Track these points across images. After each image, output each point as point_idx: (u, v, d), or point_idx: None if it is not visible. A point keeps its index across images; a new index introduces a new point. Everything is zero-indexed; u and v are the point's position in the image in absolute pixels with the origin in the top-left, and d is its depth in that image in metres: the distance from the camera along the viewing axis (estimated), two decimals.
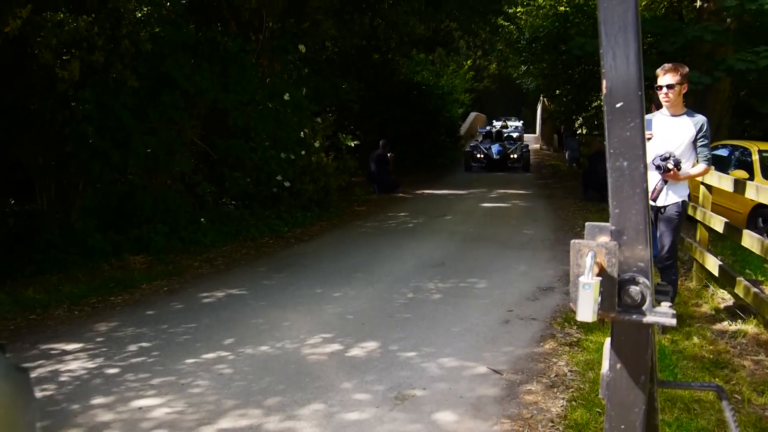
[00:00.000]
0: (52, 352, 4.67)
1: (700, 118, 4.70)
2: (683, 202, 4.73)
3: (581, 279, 1.12)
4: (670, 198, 4.69)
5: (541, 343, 4.77)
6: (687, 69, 4.68)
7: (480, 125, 33.54)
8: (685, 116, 4.71)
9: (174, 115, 8.28)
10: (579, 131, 23.05)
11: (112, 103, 7.44)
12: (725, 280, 5.38)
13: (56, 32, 6.52)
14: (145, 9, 8.66)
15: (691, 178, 4.80)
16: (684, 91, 4.67)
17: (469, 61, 30.92)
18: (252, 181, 9.91)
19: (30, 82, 7.41)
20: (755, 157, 8.80)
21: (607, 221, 1.22)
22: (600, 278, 1.15)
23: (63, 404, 3.73)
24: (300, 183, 10.96)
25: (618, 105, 1.18)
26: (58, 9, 6.80)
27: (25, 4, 6.21)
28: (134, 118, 7.71)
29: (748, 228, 7.70)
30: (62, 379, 4.13)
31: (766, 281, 6.23)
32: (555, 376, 4.14)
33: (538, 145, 31.31)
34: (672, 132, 4.67)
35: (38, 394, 3.86)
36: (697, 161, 4.78)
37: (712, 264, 5.61)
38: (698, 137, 4.65)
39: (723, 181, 5.67)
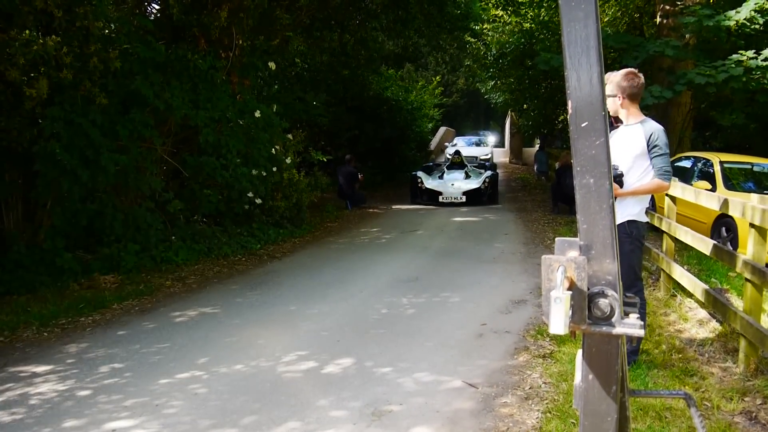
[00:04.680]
0: (22, 374, 4.58)
1: (651, 127, 4.14)
2: (629, 222, 4.15)
3: (552, 293, 1.16)
4: (617, 218, 4.04)
5: (515, 356, 4.83)
6: (615, 76, 4.21)
7: (449, 140, 33.51)
8: (638, 125, 4.19)
9: (144, 132, 8.21)
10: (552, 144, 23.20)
11: (81, 120, 7.35)
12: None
13: (24, 51, 6.44)
14: (113, 26, 8.60)
15: (640, 194, 4.15)
16: (620, 102, 4.21)
17: (438, 77, 31.25)
18: (223, 198, 9.86)
19: None
20: (717, 168, 9.04)
21: (575, 234, 1.27)
22: (570, 292, 1.20)
23: (33, 428, 3.65)
24: (272, 200, 10.94)
25: (583, 124, 1.23)
26: (25, 28, 6.73)
27: None
28: (103, 135, 7.62)
29: (712, 237, 7.91)
30: (32, 402, 4.05)
31: (730, 289, 6.39)
32: (529, 388, 4.19)
33: (507, 159, 31.58)
34: (620, 143, 4.21)
35: (7, 419, 3.79)
36: None
37: (679, 274, 5.75)
38: (650, 148, 4.10)
39: (686, 193, 5.83)
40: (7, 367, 4.77)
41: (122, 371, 4.60)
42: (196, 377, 4.44)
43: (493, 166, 18.26)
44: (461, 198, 14.90)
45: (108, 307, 6.46)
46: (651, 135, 4.09)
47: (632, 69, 4.30)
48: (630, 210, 4.17)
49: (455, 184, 15.37)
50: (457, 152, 18.05)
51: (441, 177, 16.11)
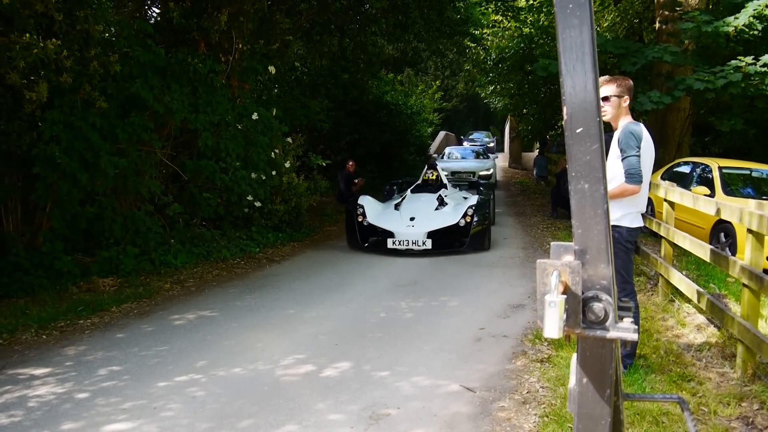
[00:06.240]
0: (20, 377, 4.58)
1: (621, 130, 4.15)
2: (612, 227, 4.12)
3: (547, 297, 1.17)
4: None
5: (513, 360, 4.83)
6: (629, 81, 4.26)
7: (451, 144, 33.37)
8: (619, 129, 4.22)
9: (143, 136, 8.22)
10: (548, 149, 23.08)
11: (81, 124, 7.36)
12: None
13: (24, 54, 6.46)
14: (113, 30, 8.62)
15: (611, 198, 4.01)
16: (625, 104, 4.23)
17: (437, 81, 31.31)
18: (223, 202, 9.87)
19: None
20: (716, 174, 9.05)
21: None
22: (565, 296, 1.21)
23: (31, 430, 3.66)
24: (271, 203, 10.94)
25: (578, 130, 1.24)
26: (26, 31, 6.74)
27: None
28: (103, 139, 7.63)
29: (710, 242, 7.93)
30: (30, 404, 4.05)
31: (728, 295, 6.40)
32: (527, 392, 4.19)
33: (507, 163, 31.59)
34: (611, 149, 4.24)
35: (5, 421, 3.79)
36: None
37: (677, 279, 5.76)
38: (620, 152, 4.11)
39: (684, 198, 5.84)
40: (5, 369, 4.77)
41: (120, 374, 4.60)
42: (194, 380, 4.44)
43: (490, 187, 13.27)
44: (423, 242, 9.23)
45: (107, 310, 6.46)
46: (619, 139, 4.13)
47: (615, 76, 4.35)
48: (613, 215, 4.18)
49: (416, 219, 9.63)
50: (432, 165, 12.43)
51: (397, 206, 10.36)
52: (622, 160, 4.08)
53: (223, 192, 9.83)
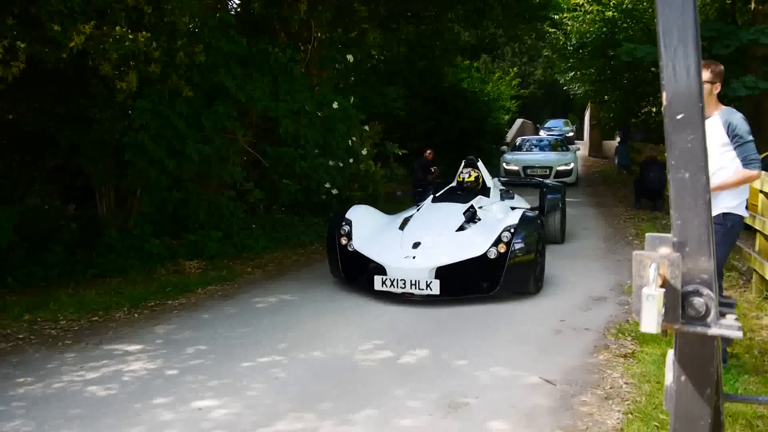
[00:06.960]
0: (116, 352, 4.85)
1: (727, 116, 4.01)
2: (724, 215, 4.05)
3: (644, 290, 1.14)
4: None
5: (595, 354, 4.72)
6: (720, 67, 4.08)
7: (529, 132, 32.60)
8: (716, 117, 4.05)
9: (227, 124, 8.50)
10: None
11: (168, 112, 7.69)
12: None
13: (116, 47, 6.78)
14: (197, 21, 8.91)
15: (728, 187, 4.03)
16: (716, 91, 4.06)
17: (515, 68, 30.74)
18: (302, 188, 10.08)
19: (90, 94, 7.74)
20: None
21: (658, 230, 1.24)
22: (663, 290, 1.17)
23: (126, 403, 3.87)
24: (348, 190, 11.07)
25: (678, 117, 1.19)
26: (117, 25, 7.08)
27: (88, 20, 6.48)
28: (188, 126, 7.95)
29: None
30: (125, 378, 4.29)
31: None
32: (610, 387, 4.09)
33: (586, 152, 30.62)
34: (707, 138, 4.21)
35: (103, 393, 4.03)
36: None
37: None
38: (731, 138, 3.98)
39: None
40: (102, 344, 5.06)
41: (207, 353, 4.79)
42: (276, 362, 4.57)
43: (558, 190, 9.41)
44: (428, 284, 5.97)
45: (193, 292, 6.74)
46: (729, 124, 3.98)
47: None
48: (726, 203, 4.07)
49: (422, 245, 6.33)
50: (471, 163, 8.41)
51: (402, 226, 6.96)
52: (737, 146, 3.97)
53: (302, 179, 10.02)
